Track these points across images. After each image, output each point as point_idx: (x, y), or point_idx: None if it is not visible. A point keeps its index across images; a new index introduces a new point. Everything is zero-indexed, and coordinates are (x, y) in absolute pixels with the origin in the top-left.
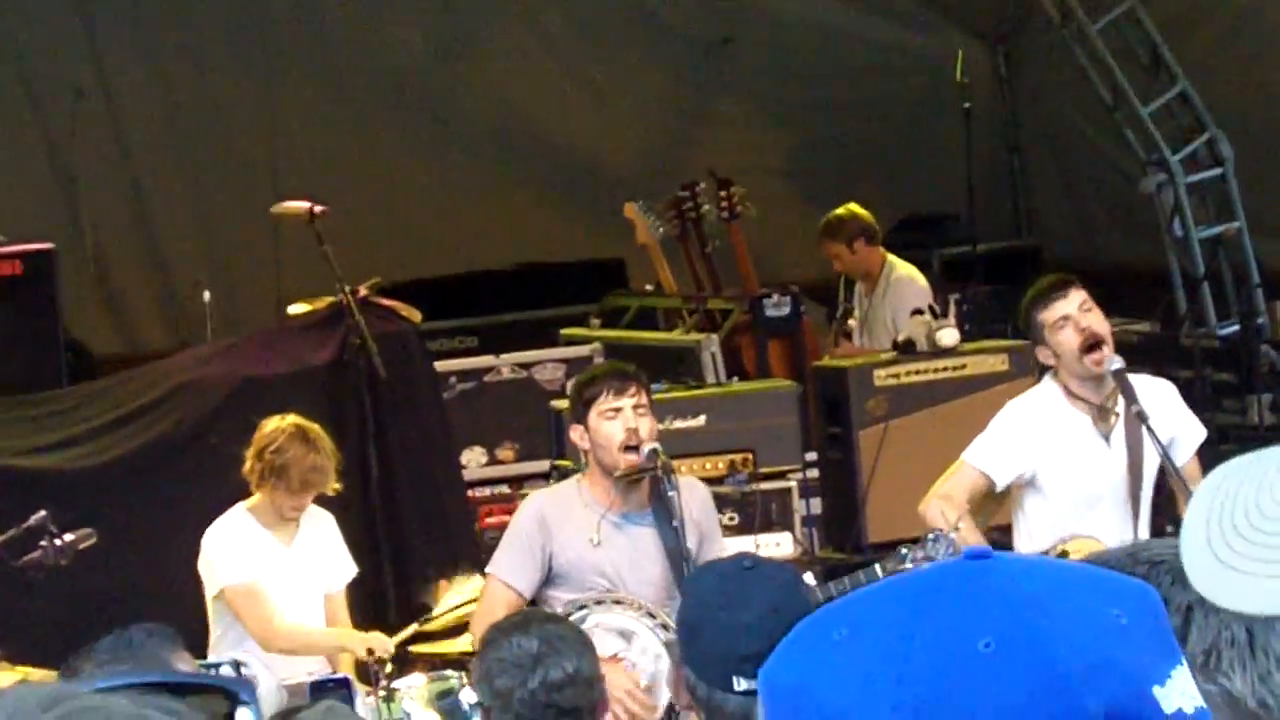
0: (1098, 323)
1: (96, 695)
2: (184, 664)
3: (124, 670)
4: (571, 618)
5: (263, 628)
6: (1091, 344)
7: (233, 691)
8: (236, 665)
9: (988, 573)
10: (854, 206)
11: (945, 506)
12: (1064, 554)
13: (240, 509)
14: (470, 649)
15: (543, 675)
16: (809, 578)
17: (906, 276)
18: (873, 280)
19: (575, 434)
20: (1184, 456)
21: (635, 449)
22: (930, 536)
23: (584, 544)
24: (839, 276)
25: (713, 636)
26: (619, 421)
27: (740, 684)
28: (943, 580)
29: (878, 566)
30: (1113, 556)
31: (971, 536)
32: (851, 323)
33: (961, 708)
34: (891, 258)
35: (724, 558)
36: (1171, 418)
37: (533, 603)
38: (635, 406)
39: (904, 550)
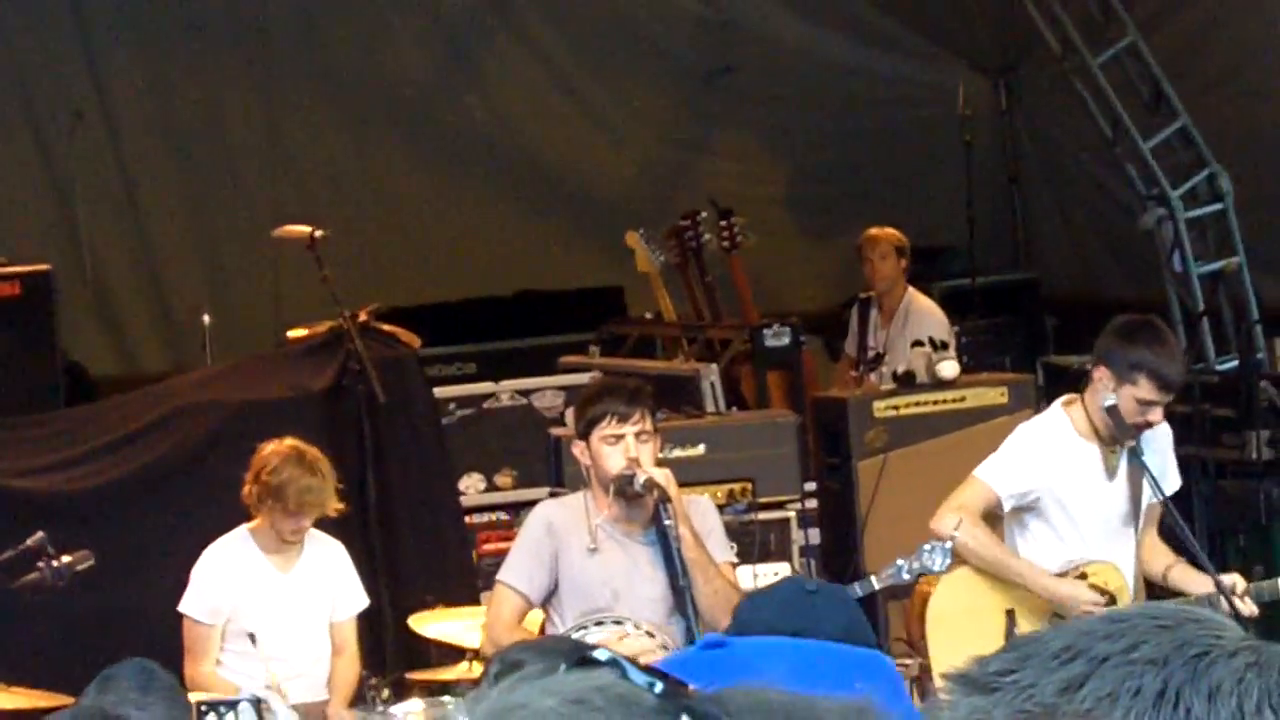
0: (1158, 421)
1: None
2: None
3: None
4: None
5: (193, 671)
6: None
7: None
8: (257, 702)
9: None
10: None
11: (955, 516)
12: (1083, 576)
13: (243, 530)
14: (467, 676)
15: None
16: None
17: (927, 308)
18: (892, 305)
19: (576, 449)
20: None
21: (631, 480)
22: (926, 547)
23: (584, 552)
24: (848, 307)
25: None
26: (619, 449)
27: None
28: None
29: (873, 578)
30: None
31: (980, 535)
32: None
33: None
34: (912, 289)
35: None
36: (1160, 460)
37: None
38: (639, 434)
39: (900, 561)
